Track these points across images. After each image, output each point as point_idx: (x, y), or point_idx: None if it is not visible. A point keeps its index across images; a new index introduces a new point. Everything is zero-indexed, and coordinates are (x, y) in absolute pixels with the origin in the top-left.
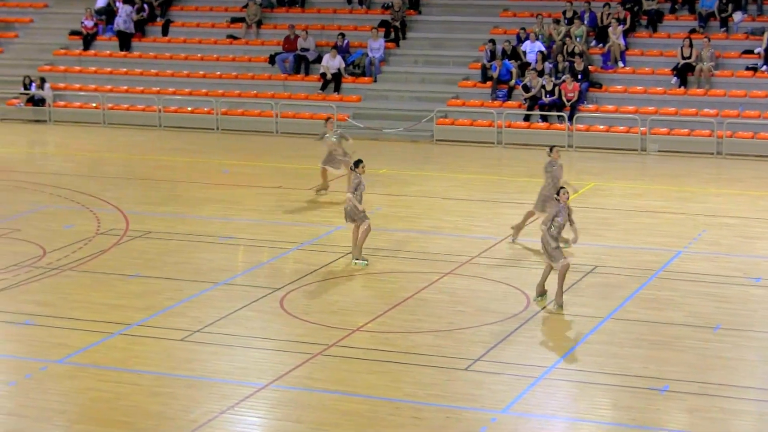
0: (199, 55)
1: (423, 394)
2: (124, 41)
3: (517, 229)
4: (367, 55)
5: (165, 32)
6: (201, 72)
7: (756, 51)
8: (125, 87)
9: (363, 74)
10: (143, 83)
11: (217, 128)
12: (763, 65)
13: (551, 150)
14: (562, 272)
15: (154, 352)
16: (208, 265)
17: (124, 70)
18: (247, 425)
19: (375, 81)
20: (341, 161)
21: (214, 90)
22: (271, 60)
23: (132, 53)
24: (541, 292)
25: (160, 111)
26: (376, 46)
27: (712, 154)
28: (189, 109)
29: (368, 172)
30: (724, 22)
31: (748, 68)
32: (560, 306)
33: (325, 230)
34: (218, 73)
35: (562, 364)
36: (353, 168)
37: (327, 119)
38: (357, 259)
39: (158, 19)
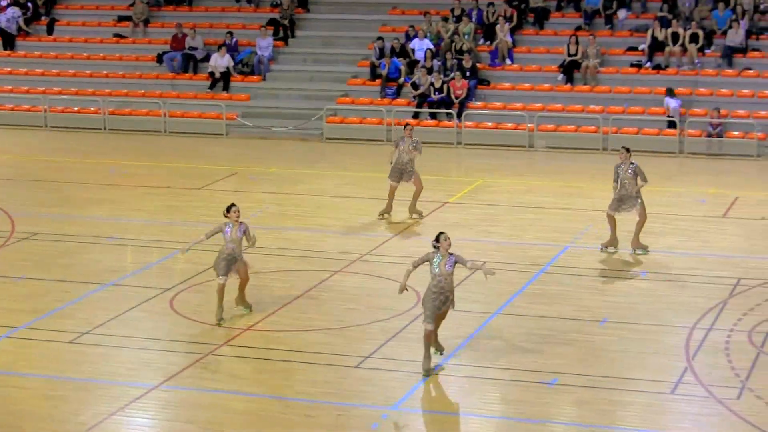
0: (85, 54)
1: (314, 391)
2: (8, 40)
3: None
4: (256, 54)
5: (50, 31)
6: (88, 71)
7: (640, 48)
8: (10, 87)
9: (252, 73)
10: (28, 83)
11: (105, 128)
12: (647, 62)
13: None
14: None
15: (42, 355)
16: (97, 266)
17: (8, 69)
18: (137, 426)
19: (264, 79)
20: (412, 173)
21: (101, 89)
22: (159, 59)
23: (16, 52)
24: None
25: (46, 111)
26: (265, 44)
27: (598, 149)
28: (76, 108)
29: (258, 171)
30: (609, 20)
31: (632, 65)
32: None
33: None
34: (105, 72)
35: (452, 360)
36: (225, 213)
37: (406, 124)
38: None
39: (43, 18)
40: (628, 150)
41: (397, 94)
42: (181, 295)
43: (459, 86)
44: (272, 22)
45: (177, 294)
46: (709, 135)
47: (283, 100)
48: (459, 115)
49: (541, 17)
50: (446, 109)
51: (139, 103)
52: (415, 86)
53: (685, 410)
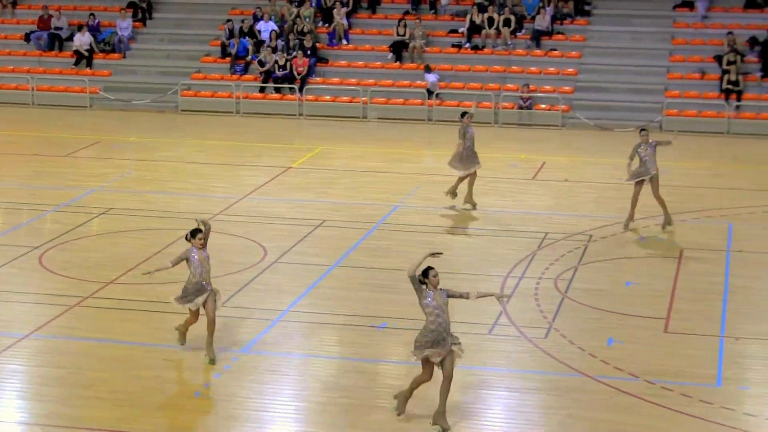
0: None
1: (172, 338)
2: None
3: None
4: (117, 34)
5: None
6: None
7: (460, 30)
8: None
9: (113, 51)
10: None
11: None
12: (466, 43)
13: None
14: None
15: None
16: None
17: None
18: (10, 372)
19: (124, 57)
20: (472, 160)
21: None
22: (27, 38)
23: None
24: None
25: None
26: (125, 25)
27: (424, 120)
28: None
29: (119, 140)
30: (433, 5)
31: (453, 45)
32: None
33: (79, 193)
34: None
35: (296, 307)
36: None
37: (464, 113)
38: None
39: None
40: (646, 130)
41: (245, 70)
42: (49, 252)
43: (300, 64)
44: (131, 5)
45: (45, 252)
46: (520, 107)
47: (141, 76)
48: (301, 90)
49: (374, 2)
50: (289, 84)
51: (8, 77)
52: (261, 63)
53: (500, 348)
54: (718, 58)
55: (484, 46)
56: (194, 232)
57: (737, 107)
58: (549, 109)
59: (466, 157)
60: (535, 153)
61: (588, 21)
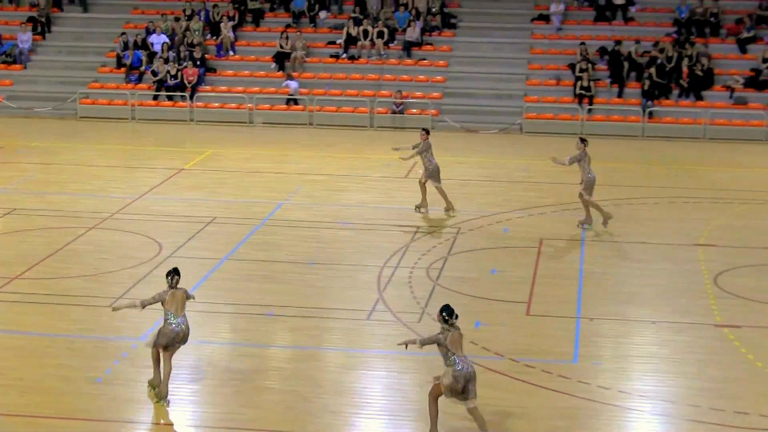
0: None
1: (75, 328)
2: None
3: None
4: (18, 46)
5: None
6: None
7: (338, 42)
8: None
9: (14, 62)
10: None
11: None
12: (343, 53)
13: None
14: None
15: None
16: None
17: None
18: None
19: (25, 68)
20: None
21: None
22: None
23: None
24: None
25: None
26: (25, 38)
27: (305, 124)
28: None
29: (22, 145)
30: (313, 19)
31: (331, 56)
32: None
33: None
34: None
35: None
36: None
37: (425, 129)
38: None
39: None
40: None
41: (139, 80)
42: None
43: (191, 73)
44: (31, 19)
45: None
46: (393, 112)
47: (42, 85)
48: (191, 97)
49: (258, 16)
50: (180, 92)
51: None
52: (154, 73)
53: (378, 332)
54: (572, 67)
55: (359, 56)
56: (170, 273)
57: (589, 110)
58: (420, 114)
59: (435, 170)
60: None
61: (454, 33)
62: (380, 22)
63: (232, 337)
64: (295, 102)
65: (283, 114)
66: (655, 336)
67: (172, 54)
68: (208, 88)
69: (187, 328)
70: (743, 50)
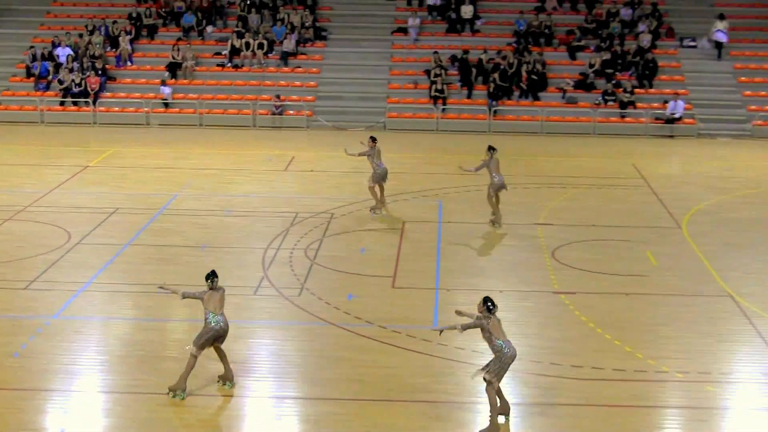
0: None
1: None
2: None
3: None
4: None
5: None
6: None
7: (223, 53)
8: None
9: None
10: None
11: None
12: (228, 63)
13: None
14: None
15: None
16: None
17: None
18: None
19: None
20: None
21: None
22: None
23: None
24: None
25: None
26: None
27: (196, 125)
28: None
29: None
30: (201, 33)
31: (218, 65)
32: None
33: None
34: None
35: (96, 280)
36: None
37: (373, 137)
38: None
39: None
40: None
41: (47, 88)
42: None
43: (93, 81)
44: None
45: None
46: (273, 113)
47: None
48: (94, 103)
49: (152, 31)
50: (84, 98)
51: None
52: (60, 82)
53: (263, 306)
54: (427, 72)
55: (242, 65)
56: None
57: (443, 110)
58: (296, 115)
59: (381, 174)
60: (285, 150)
61: (325, 44)
62: (260, 35)
63: (134, 313)
64: (166, 105)
65: (176, 116)
66: (503, 303)
67: (76, 65)
68: (108, 94)
69: (226, 325)
70: (573, 57)
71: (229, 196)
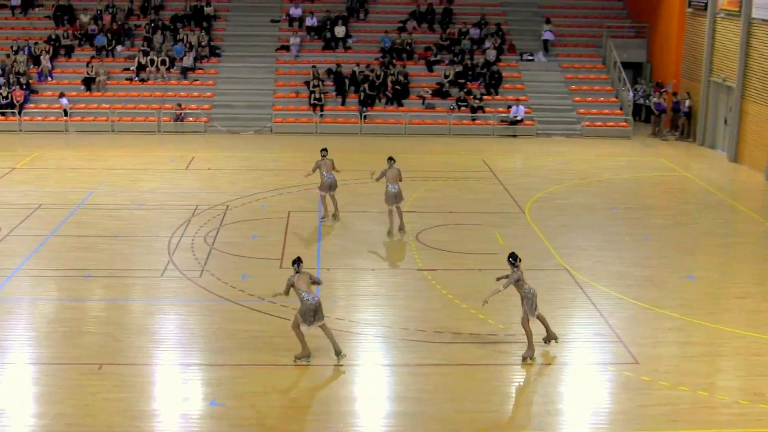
0: None
1: None
2: None
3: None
4: None
5: None
6: None
7: (131, 68)
8: None
9: None
10: None
11: None
12: (135, 77)
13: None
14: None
15: None
16: None
17: None
18: None
19: None
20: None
21: None
22: None
23: None
24: None
25: None
26: None
27: (109, 131)
28: None
29: None
30: (111, 52)
31: (126, 79)
32: None
33: None
34: None
35: (25, 266)
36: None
37: (324, 149)
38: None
39: None
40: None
41: None
42: None
43: (18, 95)
44: None
45: None
46: (175, 120)
47: None
48: (20, 113)
49: (69, 51)
50: (11, 109)
51: None
52: None
53: (169, 286)
54: (307, 83)
55: (148, 79)
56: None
57: (321, 115)
58: (195, 121)
59: (327, 184)
60: (186, 151)
61: (219, 60)
62: (163, 53)
63: (58, 294)
64: (66, 113)
65: (92, 123)
66: (375, 280)
67: (2, 80)
68: (32, 105)
69: (319, 301)
70: (430, 69)
71: (139, 192)
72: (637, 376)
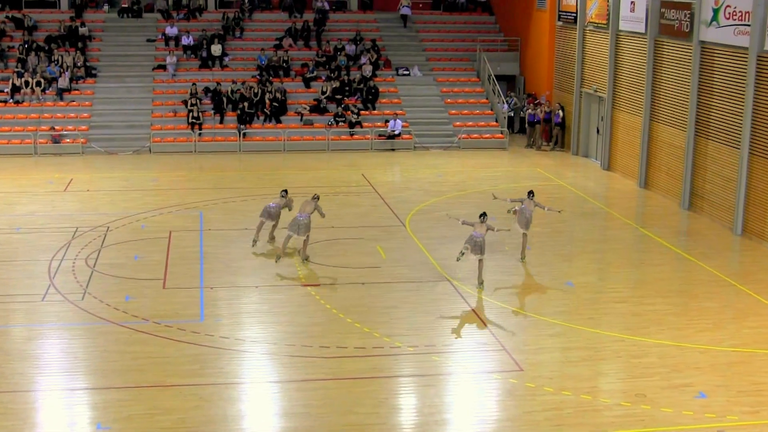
0: None
1: None
2: None
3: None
4: None
5: None
6: None
7: (5, 90)
8: None
9: None
10: None
11: None
12: (10, 99)
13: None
14: None
15: None
16: None
17: None
18: None
19: None
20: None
21: None
22: None
23: None
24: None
25: None
26: None
27: (32, 154)
28: None
29: None
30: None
31: (1, 101)
32: None
33: None
34: None
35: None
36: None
37: (285, 190)
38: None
39: None
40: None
41: None
42: None
43: None
44: None
45: None
46: (52, 142)
47: None
48: None
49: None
50: None
51: None
52: None
53: (51, 310)
54: (185, 102)
55: (23, 101)
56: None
57: (200, 134)
58: (72, 143)
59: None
60: (65, 173)
61: (95, 81)
62: (38, 74)
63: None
64: None
65: (9, 147)
66: (259, 297)
67: None
68: None
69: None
70: (308, 86)
71: (16, 216)
72: (521, 383)
